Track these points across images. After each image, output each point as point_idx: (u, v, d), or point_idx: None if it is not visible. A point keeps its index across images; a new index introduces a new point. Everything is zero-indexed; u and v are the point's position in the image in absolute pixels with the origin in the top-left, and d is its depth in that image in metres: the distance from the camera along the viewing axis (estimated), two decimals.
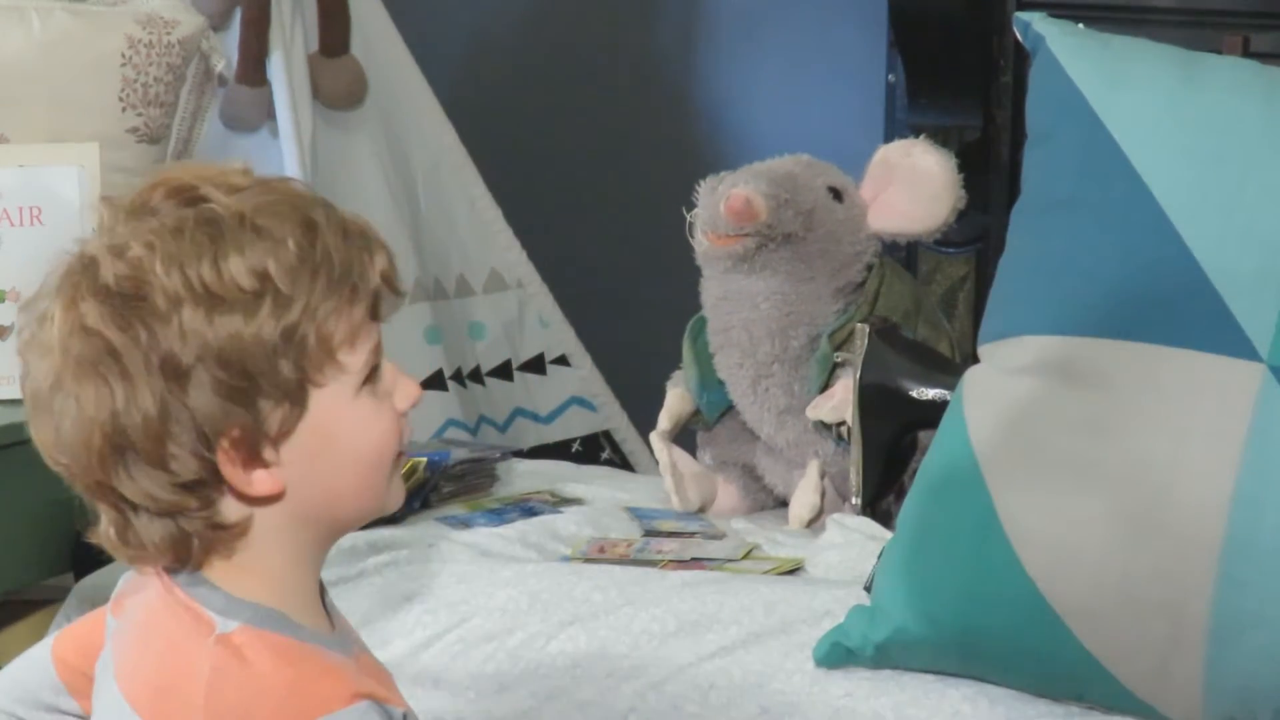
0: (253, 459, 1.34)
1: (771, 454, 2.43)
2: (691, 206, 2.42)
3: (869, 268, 2.39)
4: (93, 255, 1.34)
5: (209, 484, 1.34)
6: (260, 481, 1.35)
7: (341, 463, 1.37)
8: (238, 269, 1.31)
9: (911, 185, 2.37)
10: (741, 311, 2.37)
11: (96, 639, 1.49)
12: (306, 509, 1.37)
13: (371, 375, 1.37)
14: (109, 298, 1.32)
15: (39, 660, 1.57)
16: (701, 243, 2.39)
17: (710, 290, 2.42)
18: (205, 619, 1.36)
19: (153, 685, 1.37)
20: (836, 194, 2.39)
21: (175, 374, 1.31)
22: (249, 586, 1.38)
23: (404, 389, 1.40)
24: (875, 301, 2.37)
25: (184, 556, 1.37)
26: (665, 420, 2.46)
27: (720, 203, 2.33)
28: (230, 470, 1.34)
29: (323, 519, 1.39)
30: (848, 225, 2.38)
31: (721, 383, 2.43)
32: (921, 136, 2.43)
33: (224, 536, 1.36)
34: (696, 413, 2.48)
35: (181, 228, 1.33)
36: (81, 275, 1.34)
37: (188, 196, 1.35)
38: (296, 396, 1.34)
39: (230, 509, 1.36)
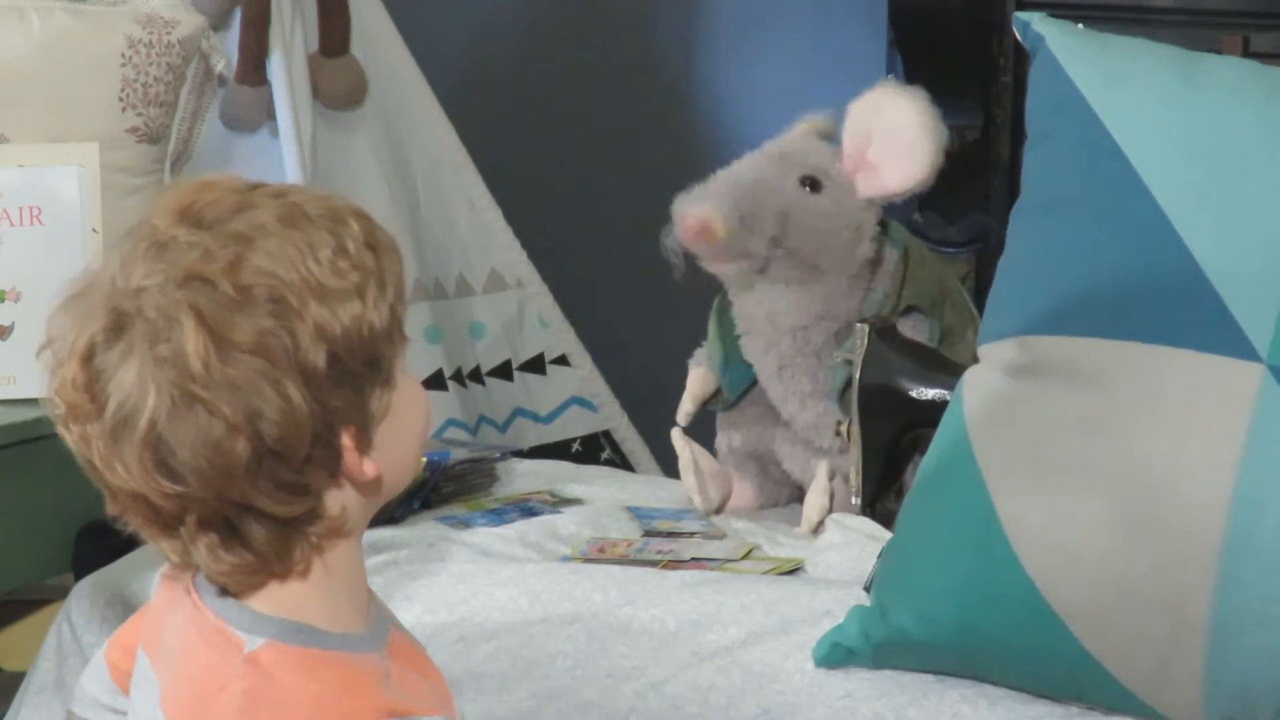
0: (365, 446, 1.35)
1: (791, 439, 2.43)
2: None
3: (877, 241, 2.35)
4: (197, 271, 1.31)
5: (318, 483, 1.34)
6: (369, 468, 1.36)
7: (406, 438, 1.40)
8: (341, 260, 1.33)
9: (889, 142, 2.32)
10: (765, 304, 2.36)
11: (136, 641, 1.50)
12: (384, 489, 1.39)
13: None
14: (245, 307, 1.30)
15: (97, 666, 1.58)
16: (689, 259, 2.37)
17: (730, 280, 2.40)
18: (234, 639, 1.37)
19: (190, 710, 1.37)
20: (814, 183, 2.35)
21: (314, 370, 1.31)
22: (277, 594, 1.38)
23: None
24: (902, 289, 2.34)
25: (288, 562, 1.36)
26: (688, 401, 2.45)
27: (677, 225, 2.31)
28: (351, 458, 1.34)
29: (386, 497, 1.41)
30: (836, 208, 2.33)
31: (744, 361, 2.41)
32: (886, 80, 2.39)
33: (325, 532, 1.36)
34: (716, 393, 2.47)
35: (272, 229, 1.33)
36: (199, 292, 1.31)
37: (238, 202, 1.35)
38: (391, 378, 1.36)
39: (332, 502, 1.36)
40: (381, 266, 1.35)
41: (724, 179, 2.35)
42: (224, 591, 1.39)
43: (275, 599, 1.38)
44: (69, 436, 1.35)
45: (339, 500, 1.36)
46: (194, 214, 1.34)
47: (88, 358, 1.32)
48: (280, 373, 1.30)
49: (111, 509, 1.37)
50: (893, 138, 2.32)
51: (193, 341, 1.29)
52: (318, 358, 1.31)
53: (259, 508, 1.33)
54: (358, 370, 1.34)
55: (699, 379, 2.46)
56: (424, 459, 2.38)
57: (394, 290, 1.36)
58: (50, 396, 1.35)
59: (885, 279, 2.36)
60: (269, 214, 1.34)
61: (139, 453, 1.31)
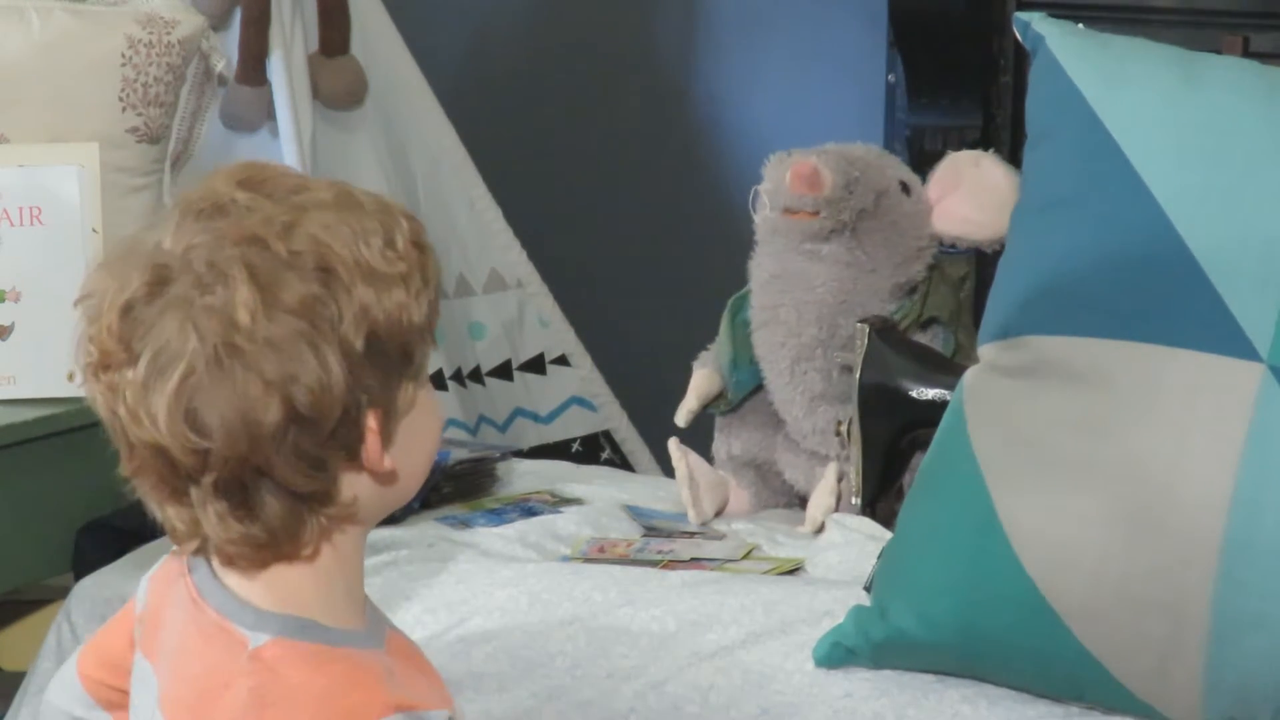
0: (387, 437, 1.36)
1: (793, 449, 2.43)
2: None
3: (929, 268, 2.39)
4: (252, 231, 1.32)
5: (337, 462, 1.35)
6: (387, 460, 1.37)
7: (422, 441, 1.40)
8: (390, 249, 1.34)
9: (978, 193, 2.37)
10: (795, 292, 2.37)
11: (117, 650, 1.50)
12: (396, 489, 1.40)
13: None
14: (297, 270, 1.31)
15: (68, 680, 1.57)
16: (769, 218, 2.38)
17: (764, 266, 2.41)
18: (237, 636, 1.36)
19: (192, 709, 1.37)
20: (905, 188, 2.40)
21: (352, 347, 1.32)
22: (278, 590, 1.38)
23: None
24: (925, 301, 2.38)
25: (297, 541, 1.36)
26: (692, 398, 2.46)
27: (786, 172, 2.33)
28: (373, 442, 1.35)
29: (395, 499, 1.41)
30: (913, 219, 2.38)
31: (753, 363, 2.42)
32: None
33: (336, 517, 1.37)
34: (720, 395, 2.47)
35: (328, 206, 1.34)
36: (252, 250, 1.31)
37: (296, 184, 1.36)
38: (421, 375, 1.38)
39: (346, 487, 1.36)
40: (425, 264, 1.37)
41: (833, 147, 2.41)
42: (225, 588, 1.39)
43: (277, 595, 1.38)
44: (96, 387, 1.34)
45: (353, 487, 1.36)
46: (255, 183, 1.36)
47: (127, 310, 1.32)
48: (322, 339, 1.31)
49: (126, 468, 1.36)
50: (985, 193, 2.37)
51: (243, 294, 1.30)
52: (358, 336, 1.32)
53: (276, 477, 1.32)
54: (392, 357, 1.34)
55: (704, 378, 2.47)
56: None
57: (433, 289, 1.37)
58: (84, 345, 1.34)
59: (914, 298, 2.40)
60: (326, 194, 1.36)
61: (170, 402, 1.30)
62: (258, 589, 1.38)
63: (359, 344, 1.32)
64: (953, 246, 2.43)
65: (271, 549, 1.36)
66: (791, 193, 2.33)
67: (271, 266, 1.31)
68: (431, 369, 3.49)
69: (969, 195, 2.38)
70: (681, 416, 2.46)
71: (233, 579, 1.39)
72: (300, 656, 1.36)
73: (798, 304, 2.36)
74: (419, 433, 1.39)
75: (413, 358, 1.36)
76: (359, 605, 1.42)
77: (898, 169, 2.42)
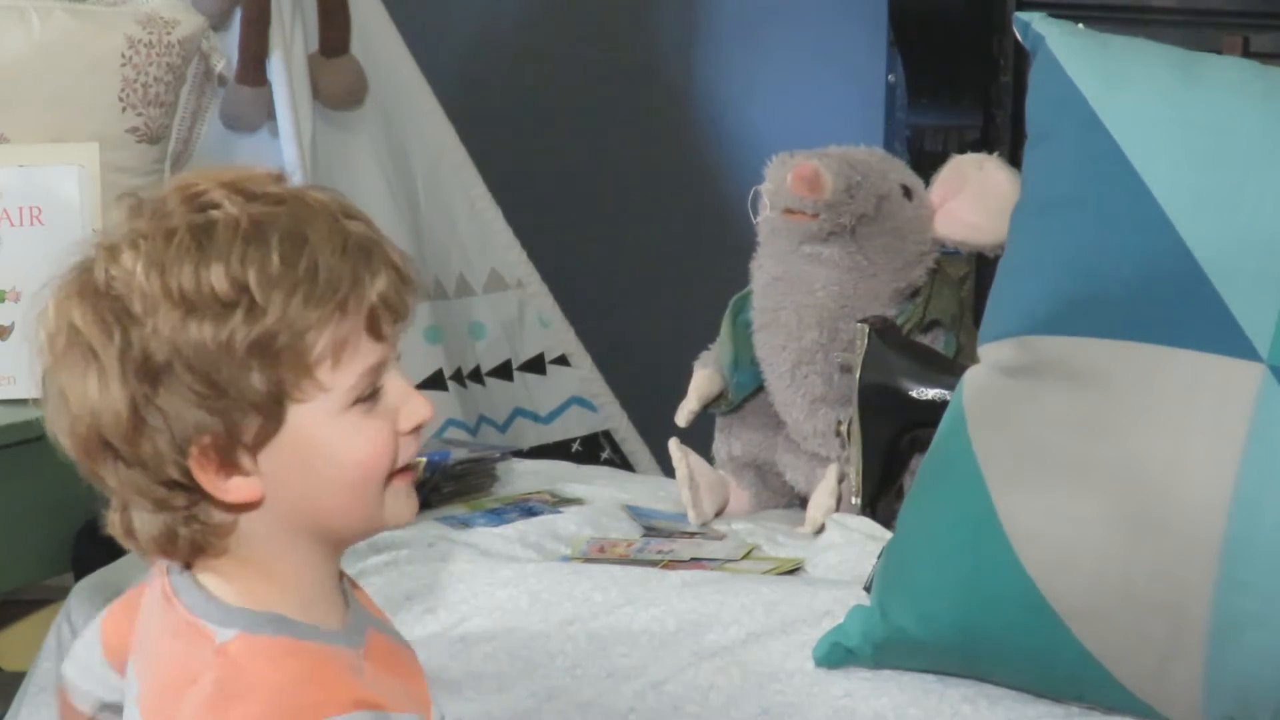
0: (227, 465, 1.34)
1: (794, 450, 2.43)
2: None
3: (931, 273, 2.39)
4: (91, 255, 1.36)
5: (191, 485, 1.35)
6: (236, 488, 1.35)
7: (322, 478, 1.37)
8: (216, 277, 1.31)
9: (981, 197, 2.37)
10: (795, 295, 2.37)
11: (130, 623, 1.51)
12: (290, 518, 1.37)
13: (373, 393, 1.36)
14: (94, 297, 1.34)
15: (91, 637, 1.58)
16: (769, 218, 2.38)
17: (766, 269, 2.41)
18: (204, 631, 1.37)
19: (164, 705, 1.38)
20: (907, 192, 2.39)
21: (149, 377, 1.32)
22: (247, 589, 1.38)
23: (411, 409, 1.39)
24: (928, 305, 2.38)
25: (173, 553, 1.38)
26: (693, 399, 2.46)
27: (788, 174, 2.33)
28: (203, 475, 1.34)
29: (311, 529, 1.39)
30: (915, 224, 2.38)
31: (754, 364, 2.42)
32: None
33: (209, 536, 1.37)
34: (720, 395, 2.47)
35: (174, 232, 1.33)
36: (76, 273, 1.36)
37: (200, 201, 1.35)
38: (271, 410, 1.33)
39: (215, 511, 1.36)
40: (272, 298, 1.32)
41: (835, 150, 2.41)
42: (198, 586, 1.39)
43: (248, 592, 1.38)
44: None
45: (222, 514, 1.36)
46: (159, 211, 1.36)
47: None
48: (108, 366, 1.33)
49: None
50: (989, 196, 2.37)
51: (49, 321, 1.36)
52: (155, 364, 1.32)
53: (118, 493, 1.37)
54: (197, 388, 1.32)
55: (705, 379, 2.46)
56: (423, 459, 2.38)
57: (275, 322, 1.32)
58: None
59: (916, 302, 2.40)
60: (206, 218, 1.34)
61: (47, 408, 1.39)
62: (228, 586, 1.39)
63: (154, 372, 1.32)
64: (954, 249, 2.43)
65: (167, 553, 1.38)
66: (792, 194, 2.33)
67: (77, 294, 1.35)
68: (431, 369, 3.50)
69: (972, 199, 2.38)
70: (682, 417, 2.46)
71: (206, 577, 1.40)
72: (265, 650, 1.36)
73: (798, 307, 2.36)
74: (315, 466, 1.36)
75: (240, 388, 1.32)
76: (334, 605, 1.42)
77: (900, 173, 2.42)
